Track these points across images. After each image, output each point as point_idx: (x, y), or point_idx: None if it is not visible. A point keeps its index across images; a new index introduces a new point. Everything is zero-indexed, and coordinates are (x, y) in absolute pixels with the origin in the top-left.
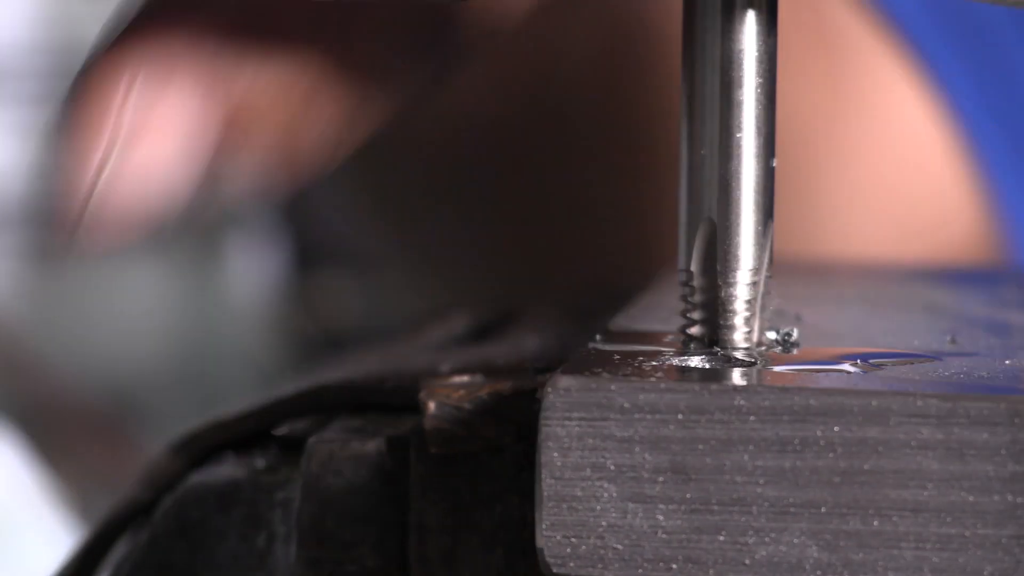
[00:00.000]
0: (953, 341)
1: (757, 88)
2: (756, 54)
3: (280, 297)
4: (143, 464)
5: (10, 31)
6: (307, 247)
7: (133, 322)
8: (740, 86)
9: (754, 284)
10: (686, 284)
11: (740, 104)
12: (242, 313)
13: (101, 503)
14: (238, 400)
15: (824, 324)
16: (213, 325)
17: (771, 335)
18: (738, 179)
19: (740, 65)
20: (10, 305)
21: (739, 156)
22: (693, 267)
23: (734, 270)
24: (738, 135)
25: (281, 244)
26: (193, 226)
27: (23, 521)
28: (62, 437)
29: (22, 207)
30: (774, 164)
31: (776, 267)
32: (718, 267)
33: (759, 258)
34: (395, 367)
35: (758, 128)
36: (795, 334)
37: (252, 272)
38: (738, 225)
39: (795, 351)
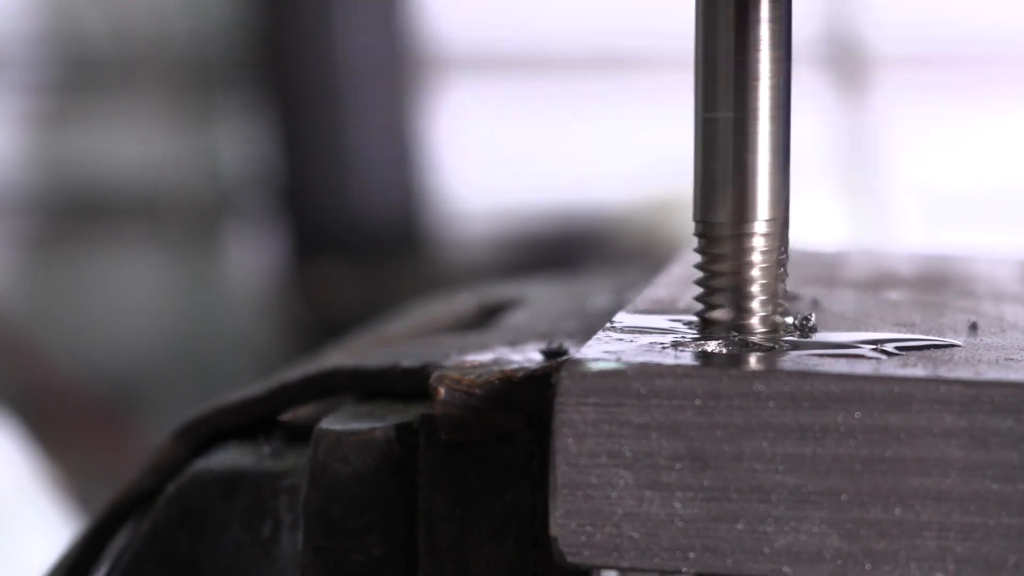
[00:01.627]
0: (974, 326)
1: (773, 36)
2: (771, 7)
3: (278, 285)
4: (145, 451)
5: (8, 21)
6: (305, 235)
7: (131, 310)
8: (758, 33)
9: (770, 237)
10: (701, 236)
11: (757, 54)
12: (240, 301)
13: (99, 490)
14: (241, 386)
15: (842, 309)
16: (211, 313)
17: (789, 320)
18: (755, 128)
19: (757, 18)
20: (9, 293)
21: (756, 106)
22: (708, 217)
23: (750, 220)
24: (754, 83)
25: (279, 232)
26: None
27: (21, 508)
28: (60, 424)
29: (22, 195)
30: (791, 110)
31: (792, 252)
32: (734, 215)
33: (775, 208)
34: (404, 352)
35: (774, 81)
36: (813, 319)
37: (250, 260)
38: (754, 172)
39: (813, 336)
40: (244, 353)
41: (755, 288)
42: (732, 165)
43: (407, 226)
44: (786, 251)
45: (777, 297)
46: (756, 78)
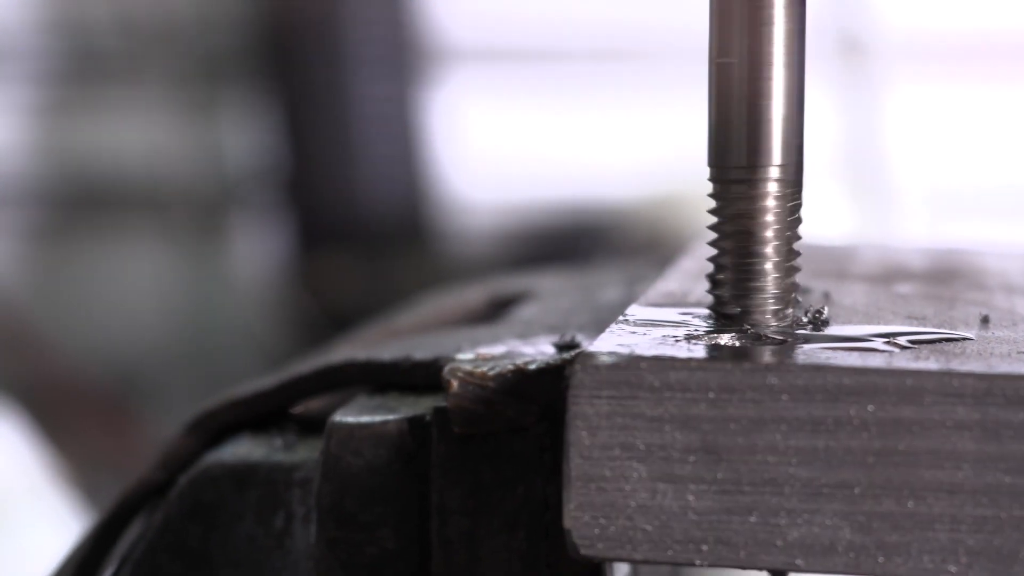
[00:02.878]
0: (985, 319)
1: None
2: None
3: (283, 277)
4: (157, 444)
5: (14, 11)
6: (310, 227)
7: (137, 302)
8: None
9: (784, 182)
10: (715, 181)
11: None
12: (245, 292)
13: (104, 482)
14: (251, 378)
15: (853, 302)
16: (217, 305)
17: (801, 313)
18: (768, 72)
19: None
20: (14, 285)
21: (770, 45)
22: (722, 161)
23: (764, 164)
24: (768, 27)
25: (284, 224)
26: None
27: (27, 499)
28: (66, 417)
29: (27, 186)
30: (805, 56)
31: (803, 246)
32: (748, 158)
33: (788, 152)
34: (416, 344)
35: (788, 27)
36: (825, 312)
37: (255, 252)
38: (768, 115)
39: (826, 329)
40: (249, 345)
41: (769, 233)
42: (746, 108)
43: (412, 219)
44: (800, 198)
45: (791, 243)
46: (770, 23)
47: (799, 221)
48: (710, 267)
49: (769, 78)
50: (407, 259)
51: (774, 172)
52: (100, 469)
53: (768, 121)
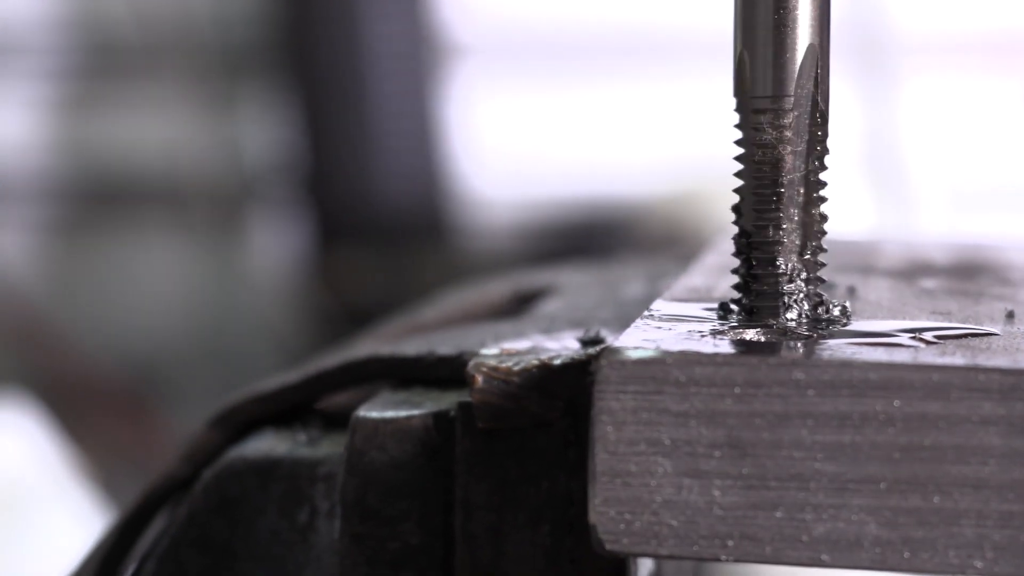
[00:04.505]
0: (1011, 315)
1: None
2: None
3: (301, 271)
4: (182, 438)
5: (32, 7)
6: (328, 222)
7: (155, 297)
8: None
9: (807, 111)
10: (739, 110)
11: None
12: (264, 288)
13: (123, 476)
14: (269, 374)
15: (878, 297)
16: (235, 300)
17: (826, 308)
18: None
19: None
20: (33, 280)
21: None
22: (746, 90)
23: (787, 94)
24: None
25: (302, 219)
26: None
27: (46, 494)
28: (84, 411)
29: (46, 181)
30: None
31: (827, 241)
32: (773, 86)
33: (812, 81)
34: (440, 339)
35: None
36: (850, 307)
37: (273, 246)
38: (793, 43)
39: (851, 324)
40: (267, 339)
41: (790, 158)
42: (772, 37)
43: (430, 213)
44: (826, 132)
45: (818, 171)
46: None
47: (825, 166)
48: (734, 261)
49: (795, 7)
50: (425, 255)
51: (797, 109)
52: (118, 463)
53: (793, 50)
